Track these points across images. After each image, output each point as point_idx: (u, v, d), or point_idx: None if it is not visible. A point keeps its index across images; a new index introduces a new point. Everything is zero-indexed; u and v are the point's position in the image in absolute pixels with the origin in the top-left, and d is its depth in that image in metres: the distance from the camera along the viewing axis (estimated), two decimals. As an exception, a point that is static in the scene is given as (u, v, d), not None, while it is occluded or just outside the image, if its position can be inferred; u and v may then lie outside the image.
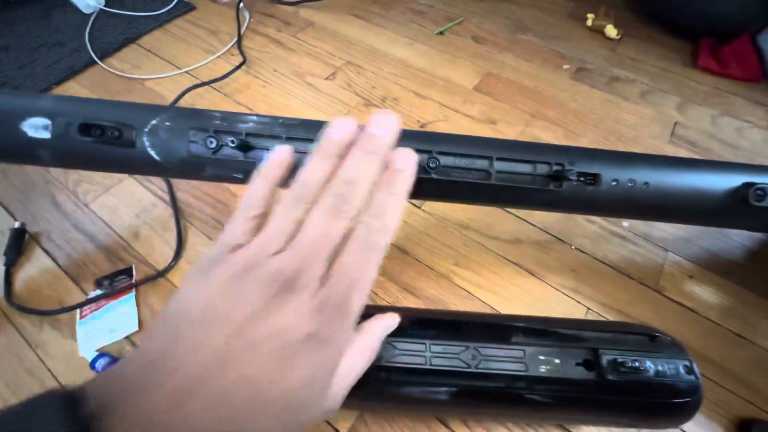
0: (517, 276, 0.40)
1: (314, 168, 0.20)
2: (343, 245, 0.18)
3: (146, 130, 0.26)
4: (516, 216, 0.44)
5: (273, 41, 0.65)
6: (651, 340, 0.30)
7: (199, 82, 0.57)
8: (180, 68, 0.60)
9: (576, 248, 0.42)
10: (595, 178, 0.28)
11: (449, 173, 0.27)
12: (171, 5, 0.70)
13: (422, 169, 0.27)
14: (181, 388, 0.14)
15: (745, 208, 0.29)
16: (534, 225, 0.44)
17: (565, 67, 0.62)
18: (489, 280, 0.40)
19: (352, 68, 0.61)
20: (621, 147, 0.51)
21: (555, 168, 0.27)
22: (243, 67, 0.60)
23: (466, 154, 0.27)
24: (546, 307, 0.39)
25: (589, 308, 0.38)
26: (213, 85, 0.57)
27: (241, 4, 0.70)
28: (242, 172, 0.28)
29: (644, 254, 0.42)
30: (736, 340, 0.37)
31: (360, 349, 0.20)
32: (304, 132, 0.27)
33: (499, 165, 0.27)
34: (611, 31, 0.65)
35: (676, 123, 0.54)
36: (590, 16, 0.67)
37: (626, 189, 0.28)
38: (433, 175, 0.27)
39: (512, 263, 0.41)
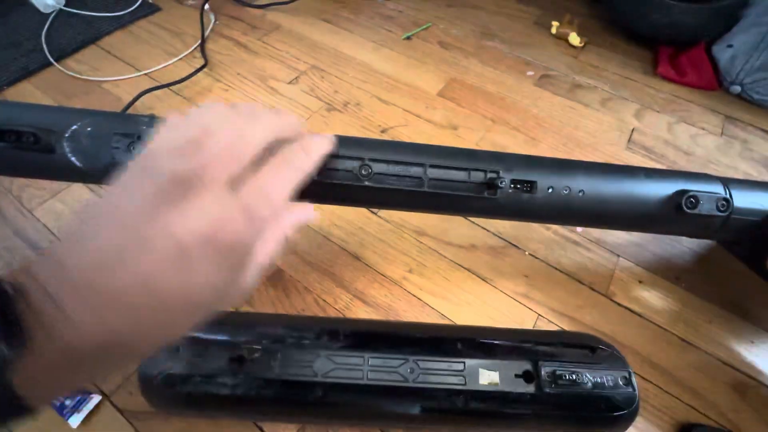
0: (469, 282, 0.40)
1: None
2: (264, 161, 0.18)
3: (66, 135, 0.25)
4: (472, 222, 0.44)
5: (238, 44, 0.64)
6: (592, 351, 0.30)
7: (157, 84, 0.55)
8: (140, 70, 0.59)
9: (530, 254, 0.42)
10: (531, 186, 0.28)
11: (383, 180, 0.27)
12: (135, 6, 0.69)
13: (354, 176, 0.26)
14: (78, 285, 0.14)
15: (679, 215, 0.29)
16: (489, 231, 0.44)
17: (529, 73, 0.62)
18: (441, 287, 0.40)
19: (316, 72, 0.60)
20: (578, 153, 0.52)
21: (489, 175, 0.27)
22: (206, 70, 0.59)
23: (399, 161, 0.27)
24: (497, 313, 0.38)
25: (539, 315, 0.39)
26: (173, 88, 0.56)
27: (207, 6, 0.69)
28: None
29: (597, 260, 0.42)
30: (682, 345, 0.37)
31: (270, 241, 0.19)
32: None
33: (432, 172, 0.27)
34: (575, 38, 0.66)
35: (633, 129, 0.55)
36: (555, 23, 0.68)
37: (562, 196, 0.28)
38: (366, 183, 0.27)
39: (465, 269, 0.41)
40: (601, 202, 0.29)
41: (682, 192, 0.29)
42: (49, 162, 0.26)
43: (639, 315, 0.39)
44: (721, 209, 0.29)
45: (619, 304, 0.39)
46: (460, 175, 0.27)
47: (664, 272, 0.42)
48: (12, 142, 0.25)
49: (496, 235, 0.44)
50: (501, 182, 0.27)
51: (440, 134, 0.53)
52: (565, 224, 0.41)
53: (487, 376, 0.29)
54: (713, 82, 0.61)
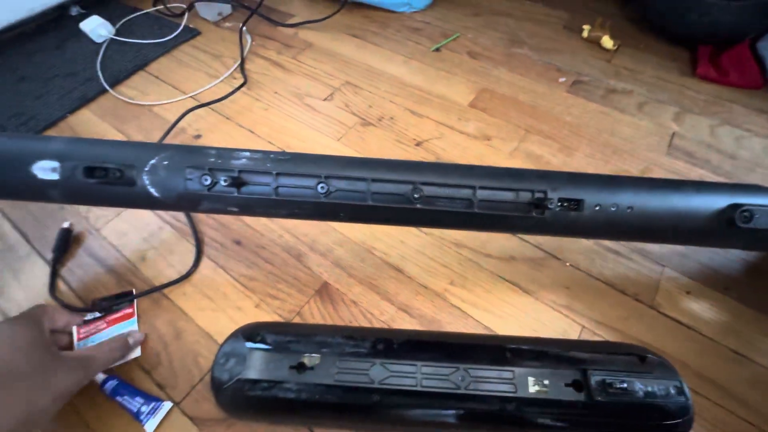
0: (510, 294, 0.41)
1: None
2: None
3: (146, 169, 0.28)
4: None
5: (274, 63, 0.67)
6: (641, 361, 0.30)
7: (195, 104, 0.59)
8: (185, 93, 0.63)
9: (570, 265, 0.43)
10: (578, 204, 0.29)
11: (433, 203, 0.28)
12: (177, 32, 0.73)
13: (407, 199, 0.28)
14: None
15: (732, 229, 0.29)
16: (527, 242, 0.44)
17: (561, 80, 0.62)
18: (483, 299, 0.41)
19: (349, 88, 0.62)
20: (616, 160, 0.51)
21: (537, 195, 0.28)
22: (245, 89, 0.63)
23: (449, 183, 0.28)
24: (540, 325, 0.39)
25: (583, 326, 0.39)
26: (215, 107, 0.60)
27: (244, 28, 0.72)
28: (237, 206, 0.29)
29: (640, 270, 0.42)
30: (734, 358, 0.37)
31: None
32: (293, 167, 0.29)
33: (482, 194, 0.28)
34: (607, 42, 0.65)
35: (673, 134, 0.54)
36: (586, 27, 0.67)
37: (609, 213, 0.29)
38: (418, 205, 0.28)
39: (506, 281, 0.42)
40: (650, 218, 0.29)
41: (735, 206, 0.29)
42: (130, 193, 0.29)
43: (687, 326, 0.38)
44: (777, 223, 0.29)
45: (666, 315, 0.39)
46: (509, 196, 0.28)
47: (713, 283, 0.41)
48: (100, 178, 0.27)
49: (535, 246, 0.44)
50: (549, 202, 0.27)
51: (474, 145, 0.54)
52: (614, 239, 0.41)
53: (537, 384, 0.30)
54: (758, 81, 0.58)
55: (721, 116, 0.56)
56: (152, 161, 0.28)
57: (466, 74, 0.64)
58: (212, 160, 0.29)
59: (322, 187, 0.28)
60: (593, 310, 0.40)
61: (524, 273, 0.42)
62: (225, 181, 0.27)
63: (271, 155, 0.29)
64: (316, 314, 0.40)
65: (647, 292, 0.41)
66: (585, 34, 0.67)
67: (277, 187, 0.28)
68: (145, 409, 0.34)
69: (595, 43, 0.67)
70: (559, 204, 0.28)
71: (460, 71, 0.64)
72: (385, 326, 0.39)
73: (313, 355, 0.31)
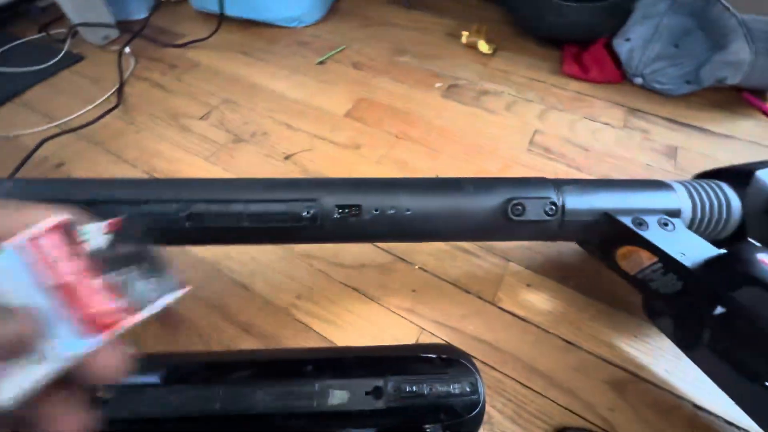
0: (356, 303, 0.41)
1: None
2: None
3: None
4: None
5: (155, 85, 0.66)
6: (442, 361, 0.30)
7: (60, 131, 0.57)
8: (54, 121, 0.60)
9: (419, 267, 0.43)
10: (357, 209, 0.29)
11: (203, 220, 0.28)
12: (57, 58, 0.71)
13: (173, 220, 0.27)
14: None
15: (509, 222, 0.30)
16: (379, 248, 0.44)
17: (437, 85, 0.64)
18: (327, 310, 0.40)
19: (227, 106, 0.62)
20: (478, 160, 0.53)
21: (307, 205, 0.28)
22: (119, 113, 0.61)
23: (218, 199, 0.27)
24: (379, 331, 0.39)
25: (423, 328, 0.39)
26: (84, 134, 0.58)
27: (128, 50, 0.71)
28: None
29: (486, 267, 0.43)
30: (564, 346, 0.37)
31: None
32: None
33: (252, 207, 0.28)
34: (483, 46, 0.68)
35: (535, 131, 0.56)
36: (464, 33, 0.70)
37: (389, 217, 0.29)
38: (186, 225, 0.27)
39: (353, 289, 0.41)
40: (429, 218, 0.29)
41: (509, 200, 0.29)
42: None
43: (523, 319, 0.39)
44: (550, 213, 0.30)
45: (504, 310, 0.40)
46: (279, 207, 0.28)
47: (553, 273, 0.42)
48: None
49: (386, 251, 0.44)
50: (319, 210, 0.27)
51: (343, 155, 0.54)
52: (401, 242, 0.42)
53: (337, 396, 0.29)
54: (617, 76, 0.62)
55: (582, 111, 0.59)
56: None
57: (347, 85, 0.64)
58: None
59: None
60: (435, 311, 0.40)
61: (373, 279, 0.42)
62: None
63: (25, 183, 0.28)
64: (153, 341, 0.38)
65: (490, 288, 0.41)
66: (463, 39, 0.70)
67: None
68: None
69: (473, 47, 0.69)
70: (339, 211, 0.28)
71: (341, 82, 0.65)
72: (224, 348, 0.38)
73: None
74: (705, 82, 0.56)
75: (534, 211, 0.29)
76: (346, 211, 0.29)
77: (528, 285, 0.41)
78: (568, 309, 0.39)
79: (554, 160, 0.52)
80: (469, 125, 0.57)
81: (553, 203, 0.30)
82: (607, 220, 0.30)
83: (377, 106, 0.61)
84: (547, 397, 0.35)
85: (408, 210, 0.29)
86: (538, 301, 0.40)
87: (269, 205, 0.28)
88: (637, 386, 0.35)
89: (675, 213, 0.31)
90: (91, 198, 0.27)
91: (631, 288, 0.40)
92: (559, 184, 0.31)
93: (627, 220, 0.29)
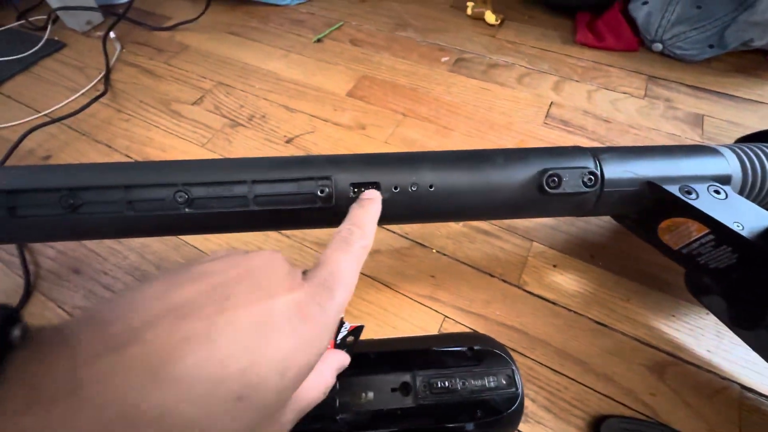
0: (372, 291, 0.38)
1: None
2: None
3: None
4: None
5: (143, 71, 0.62)
6: (472, 352, 0.28)
7: (45, 121, 0.53)
8: (39, 111, 0.57)
9: (437, 251, 0.40)
10: (374, 187, 0.26)
11: (205, 205, 0.24)
12: (37, 46, 0.66)
13: (170, 205, 0.24)
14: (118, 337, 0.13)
15: (544, 196, 0.27)
16: (393, 232, 0.41)
17: (444, 59, 0.60)
18: (341, 300, 0.37)
19: (221, 89, 0.58)
20: (492, 136, 0.49)
21: (321, 183, 0.25)
22: (106, 101, 0.57)
23: (219, 181, 0.24)
24: (400, 321, 0.36)
25: (446, 316, 0.36)
26: (69, 124, 0.54)
27: (112, 35, 0.66)
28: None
29: (508, 248, 0.40)
30: (597, 330, 0.35)
31: (320, 372, 0.20)
32: (36, 181, 0.24)
33: (259, 188, 0.25)
34: (490, 16, 0.64)
35: (551, 103, 0.53)
36: (470, 4, 0.66)
37: (410, 194, 0.26)
38: (185, 210, 0.24)
39: (367, 277, 0.39)
40: (455, 194, 0.26)
41: (544, 171, 0.26)
42: None
43: (551, 302, 0.36)
44: (589, 184, 0.27)
45: (530, 293, 0.37)
46: (290, 188, 0.25)
47: (579, 252, 0.39)
48: None
49: (401, 236, 0.41)
50: (335, 188, 0.24)
51: (347, 136, 0.51)
52: (423, 222, 0.39)
53: (361, 394, 0.27)
54: (634, 43, 0.58)
55: (599, 81, 0.55)
56: None
57: (347, 63, 0.60)
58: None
59: (65, 202, 0.24)
60: (457, 297, 0.37)
61: (389, 266, 0.39)
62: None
63: (13, 170, 0.25)
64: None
65: (514, 271, 0.38)
66: (469, 11, 0.66)
67: (13, 206, 0.24)
68: None
69: (480, 19, 0.65)
70: (354, 190, 0.25)
71: (341, 60, 0.61)
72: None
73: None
74: (730, 45, 0.53)
75: (571, 183, 0.26)
76: (362, 189, 0.26)
77: (554, 266, 0.39)
78: (598, 289, 0.37)
79: (573, 133, 0.49)
80: (480, 100, 0.54)
81: (592, 173, 0.27)
82: (652, 189, 0.27)
83: (380, 83, 0.57)
84: (582, 384, 0.32)
85: (431, 186, 0.26)
86: (566, 282, 0.38)
87: (278, 185, 0.25)
88: (678, 369, 0.33)
89: (725, 179, 0.28)
90: (79, 184, 0.24)
91: (663, 265, 0.37)
92: (596, 152, 0.28)
93: (674, 189, 0.26)
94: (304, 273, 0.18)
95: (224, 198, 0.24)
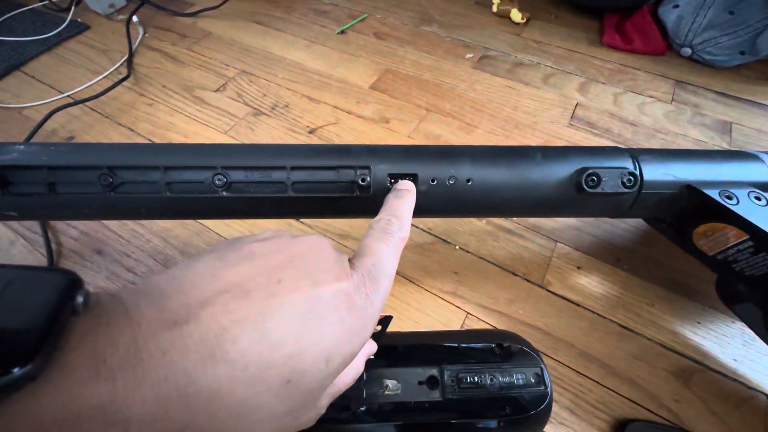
0: (395, 285, 0.38)
1: None
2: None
3: None
4: (399, 219, 0.42)
5: (166, 56, 0.62)
6: (501, 349, 0.28)
7: (68, 102, 0.53)
8: (63, 92, 0.57)
9: (460, 248, 0.40)
10: (411, 179, 0.26)
11: (243, 189, 0.24)
12: (62, 27, 0.67)
13: (208, 188, 0.24)
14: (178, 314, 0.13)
15: (582, 195, 0.26)
16: (416, 227, 0.41)
17: (468, 56, 0.59)
18: (363, 293, 0.37)
19: (244, 77, 0.58)
20: (516, 135, 0.49)
21: (360, 172, 0.25)
22: (130, 84, 0.57)
23: (257, 166, 0.24)
24: (422, 316, 0.36)
25: (468, 313, 0.36)
26: (93, 106, 0.54)
27: (135, 19, 0.66)
28: (11, 209, 0.24)
29: (532, 248, 0.40)
30: (621, 333, 0.35)
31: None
32: (76, 158, 0.24)
33: (297, 175, 0.24)
34: (516, 15, 0.63)
35: (577, 104, 0.52)
36: (495, 1, 0.65)
37: (447, 188, 0.26)
38: (223, 193, 0.24)
39: (390, 271, 0.38)
40: (493, 190, 0.26)
41: (583, 170, 0.26)
42: None
43: (576, 304, 0.36)
44: (628, 185, 0.26)
45: (554, 294, 0.37)
46: (328, 175, 0.25)
47: (605, 255, 0.39)
48: None
49: (425, 231, 0.41)
50: (373, 178, 0.24)
51: (371, 129, 0.50)
52: (458, 216, 0.39)
53: (388, 386, 0.27)
54: (662, 47, 0.57)
55: (626, 84, 0.55)
56: None
57: (370, 56, 0.60)
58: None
59: (105, 180, 0.24)
60: (480, 294, 0.37)
61: (411, 261, 0.39)
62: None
63: (51, 147, 0.25)
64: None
65: (538, 271, 0.38)
66: (494, 8, 0.65)
67: (53, 183, 0.24)
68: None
69: (505, 17, 0.65)
70: (391, 180, 0.25)
71: (364, 53, 0.61)
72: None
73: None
74: (762, 52, 0.52)
75: (610, 183, 0.26)
76: (398, 181, 0.25)
77: (578, 267, 0.38)
78: (623, 293, 0.37)
79: (599, 135, 0.49)
80: (505, 98, 0.53)
81: (632, 174, 0.26)
82: (690, 193, 0.27)
83: (404, 78, 0.57)
84: (606, 387, 0.32)
85: (469, 180, 0.26)
86: (591, 284, 0.37)
87: (317, 172, 0.25)
88: (704, 376, 0.32)
89: (765, 186, 0.27)
90: (119, 163, 0.24)
91: (689, 272, 0.37)
92: (635, 153, 0.28)
93: (714, 193, 0.26)
94: (350, 260, 0.18)
95: (262, 183, 0.24)
